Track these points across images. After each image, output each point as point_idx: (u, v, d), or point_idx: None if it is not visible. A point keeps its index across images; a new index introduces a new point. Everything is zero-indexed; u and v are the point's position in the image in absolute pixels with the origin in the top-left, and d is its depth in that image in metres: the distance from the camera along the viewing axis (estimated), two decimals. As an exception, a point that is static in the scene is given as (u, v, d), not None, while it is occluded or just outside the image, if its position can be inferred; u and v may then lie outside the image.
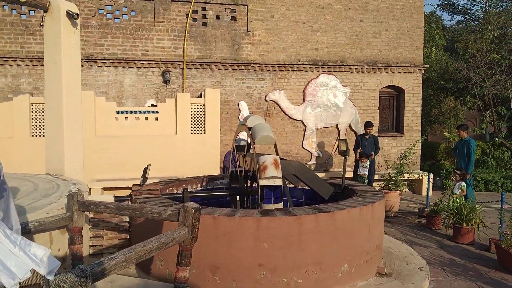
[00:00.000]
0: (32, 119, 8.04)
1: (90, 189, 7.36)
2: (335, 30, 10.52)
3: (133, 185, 4.19)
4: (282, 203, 3.91)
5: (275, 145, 4.24)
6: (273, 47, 10.17)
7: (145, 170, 4.63)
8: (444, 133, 13.29)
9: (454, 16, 20.72)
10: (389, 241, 5.10)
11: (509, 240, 5.07)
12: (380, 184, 8.78)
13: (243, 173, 4.81)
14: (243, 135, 6.80)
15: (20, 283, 1.31)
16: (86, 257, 3.53)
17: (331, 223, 3.42)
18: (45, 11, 4.83)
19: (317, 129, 10.56)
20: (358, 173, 8.60)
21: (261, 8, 10.04)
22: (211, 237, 3.27)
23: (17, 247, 1.35)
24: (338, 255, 3.47)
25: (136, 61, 9.37)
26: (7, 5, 8.71)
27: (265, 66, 10.09)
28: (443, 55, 16.68)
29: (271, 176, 3.77)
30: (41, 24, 4.97)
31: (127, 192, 6.21)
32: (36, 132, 8.04)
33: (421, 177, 10.52)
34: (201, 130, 8.80)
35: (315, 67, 10.41)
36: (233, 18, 9.98)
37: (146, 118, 8.48)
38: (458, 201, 6.66)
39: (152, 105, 9.32)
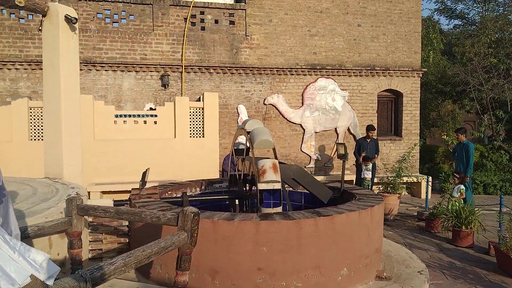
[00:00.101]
0: (31, 123, 8.03)
1: (89, 193, 7.35)
2: (333, 34, 10.56)
3: (132, 189, 4.18)
4: (281, 207, 3.91)
5: (274, 149, 4.24)
6: (271, 51, 10.20)
7: (144, 174, 4.62)
8: (443, 136, 13.34)
9: (452, 20, 20.88)
10: (388, 245, 5.09)
11: (508, 243, 5.08)
12: (379, 187, 8.79)
13: (242, 177, 4.81)
14: (242, 138, 6.81)
15: (19, 289, 1.30)
16: (85, 261, 3.52)
17: (330, 227, 3.41)
18: (44, 16, 4.83)
19: (316, 132, 10.58)
20: (362, 177, 8.57)
21: (259, 12, 10.08)
22: (210, 241, 3.26)
23: (17, 253, 1.35)
24: (338, 259, 3.46)
25: (134, 65, 9.39)
26: (5, 9, 8.72)
27: (264, 70, 10.11)
28: (441, 59, 16.76)
29: (270, 180, 3.77)
30: (40, 28, 4.99)
31: (126, 196, 6.20)
32: (35, 136, 8.03)
33: (420, 180, 10.54)
34: (200, 134, 8.80)
35: (314, 71, 10.44)
36: (232, 23, 10.01)
37: (145, 122, 8.47)
38: (457, 204, 6.67)
39: (151, 108, 9.32)
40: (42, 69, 5.07)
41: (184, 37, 9.64)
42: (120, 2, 9.33)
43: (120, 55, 9.37)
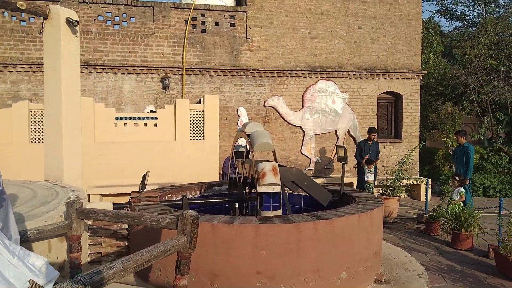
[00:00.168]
0: (31, 125, 8.04)
1: (88, 195, 7.37)
2: (334, 36, 10.58)
3: (132, 192, 4.19)
4: (281, 210, 3.91)
5: (273, 152, 4.25)
6: (271, 53, 10.22)
7: (144, 177, 4.63)
8: (443, 139, 13.32)
9: (452, 22, 20.93)
10: (387, 248, 5.09)
11: (507, 246, 5.08)
12: (379, 190, 8.79)
13: (242, 180, 4.82)
14: (242, 141, 6.82)
15: (18, 294, 1.31)
16: (85, 265, 3.52)
17: (329, 230, 3.42)
18: (45, 18, 4.85)
19: (316, 134, 10.59)
20: (365, 180, 8.52)
21: (260, 15, 10.10)
22: (209, 244, 3.27)
23: (16, 258, 1.36)
24: (337, 262, 3.47)
25: (135, 67, 9.41)
26: (7, 12, 8.74)
27: (264, 72, 10.13)
28: (441, 61, 16.77)
29: (270, 183, 3.78)
30: (41, 31, 5.00)
31: (126, 199, 6.21)
32: (35, 139, 8.05)
33: (419, 183, 10.54)
34: (200, 136, 8.81)
35: (314, 73, 10.46)
36: (232, 25, 10.03)
37: (145, 124, 8.49)
38: (457, 207, 6.67)
39: (151, 111, 9.34)
40: (43, 71, 5.09)
41: (184, 39, 9.67)
42: (121, 4, 9.36)
43: (121, 57, 9.39)
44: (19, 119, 7.89)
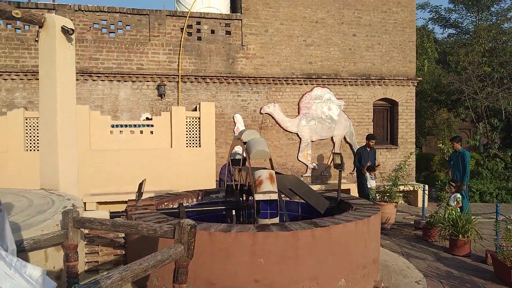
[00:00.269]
0: (27, 133, 8.00)
1: (85, 203, 7.31)
2: (329, 44, 10.64)
3: (129, 200, 4.17)
4: (278, 218, 3.90)
5: (270, 159, 4.25)
6: (267, 60, 10.26)
7: (140, 185, 4.61)
8: (439, 145, 13.39)
9: (446, 29, 21.07)
10: (385, 254, 5.09)
11: (505, 252, 5.08)
12: (376, 196, 8.79)
13: (238, 187, 4.81)
14: (239, 148, 6.82)
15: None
16: (82, 274, 3.49)
17: (327, 238, 3.41)
18: (40, 27, 4.84)
19: (312, 141, 10.61)
20: (368, 187, 8.49)
21: (255, 22, 10.15)
22: (207, 253, 3.25)
23: (13, 269, 1.34)
24: (335, 269, 3.46)
25: (131, 75, 9.40)
26: (2, 20, 8.73)
27: (260, 80, 10.16)
28: (436, 67, 16.90)
29: (267, 190, 3.78)
30: (36, 39, 5.00)
31: (122, 206, 6.17)
32: (31, 147, 8.00)
33: (416, 189, 10.56)
34: (196, 143, 8.80)
35: (309, 81, 10.50)
36: (228, 33, 10.07)
37: (141, 132, 8.46)
38: (454, 213, 6.69)
39: (147, 118, 9.32)
40: (38, 79, 5.08)
41: (180, 47, 9.69)
42: (117, 12, 9.38)
43: (116, 65, 9.39)
44: (15, 127, 7.84)
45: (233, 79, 9.99)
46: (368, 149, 8.97)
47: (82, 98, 9.06)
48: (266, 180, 3.80)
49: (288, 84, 10.42)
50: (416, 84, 11.41)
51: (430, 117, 16.17)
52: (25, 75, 8.88)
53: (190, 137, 8.77)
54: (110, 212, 4.14)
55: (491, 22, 17.52)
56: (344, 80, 10.71)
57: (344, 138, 10.83)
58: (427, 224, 7.18)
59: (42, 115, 4.96)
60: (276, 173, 4.07)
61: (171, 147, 8.55)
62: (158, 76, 9.55)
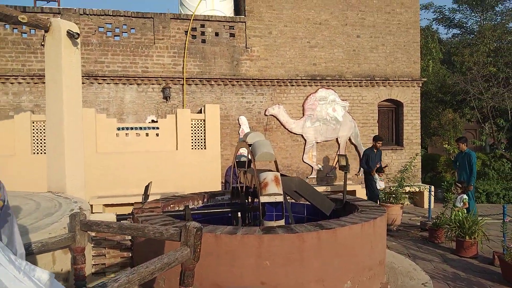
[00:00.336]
0: (34, 136, 8.06)
1: (91, 206, 7.35)
2: (333, 45, 10.64)
3: (135, 203, 4.19)
4: (283, 220, 3.90)
5: (275, 161, 4.25)
6: (271, 62, 10.28)
7: (147, 187, 4.64)
8: (444, 145, 13.32)
9: (450, 29, 20.97)
10: (392, 256, 5.07)
11: (512, 253, 5.04)
12: (382, 198, 8.77)
13: (244, 189, 4.82)
14: (244, 151, 6.84)
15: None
16: (89, 276, 3.51)
17: (333, 240, 3.41)
18: (46, 31, 4.89)
19: (317, 143, 10.60)
20: (378, 188, 8.46)
21: (259, 25, 10.17)
22: (213, 255, 3.26)
23: (22, 273, 1.35)
24: (341, 272, 3.45)
25: (136, 78, 9.45)
26: (8, 25, 8.81)
27: (264, 82, 10.17)
28: (440, 68, 16.83)
29: (272, 192, 3.78)
30: (42, 43, 5.05)
31: (129, 209, 6.20)
32: (38, 150, 8.06)
33: (422, 190, 10.52)
34: (201, 146, 8.82)
35: (314, 82, 10.50)
36: (232, 35, 10.10)
37: (147, 134, 8.51)
38: (460, 214, 6.65)
39: (153, 121, 9.37)
40: (44, 83, 5.12)
41: (185, 49, 9.73)
42: (122, 16, 9.44)
43: (121, 68, 9.45)
44: (22, 131, 7.90)
45: (237, 81, 10.01)
46: (375, 151, 8.94)
47: (88, 101, 9.12)
48: (271, 182, 3.81)
49: (293, 86, 10.43)
50: (421, 85, 11.37)
51: (436, 117, 16.10)
52: (32, 78, 8.95)
53: (195, 139, 8.80)
54: (117, 215, 4.16)
55: (495, 22, 17.44)
56: (349, 81, 10.70)
57: (349, 139, 10.81)
58: (433, 226, 7.14)
59: (49, 119, 5.00)
60: (281, 175, 4.07)
61: (177, 149, 8.58)
62: (163, 79, 9.60)
